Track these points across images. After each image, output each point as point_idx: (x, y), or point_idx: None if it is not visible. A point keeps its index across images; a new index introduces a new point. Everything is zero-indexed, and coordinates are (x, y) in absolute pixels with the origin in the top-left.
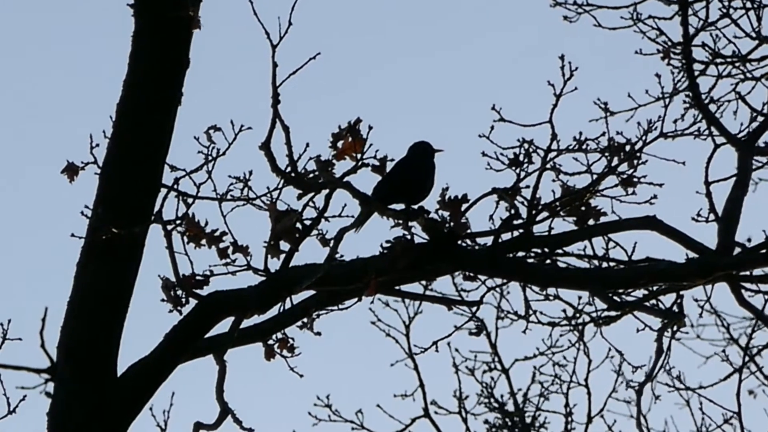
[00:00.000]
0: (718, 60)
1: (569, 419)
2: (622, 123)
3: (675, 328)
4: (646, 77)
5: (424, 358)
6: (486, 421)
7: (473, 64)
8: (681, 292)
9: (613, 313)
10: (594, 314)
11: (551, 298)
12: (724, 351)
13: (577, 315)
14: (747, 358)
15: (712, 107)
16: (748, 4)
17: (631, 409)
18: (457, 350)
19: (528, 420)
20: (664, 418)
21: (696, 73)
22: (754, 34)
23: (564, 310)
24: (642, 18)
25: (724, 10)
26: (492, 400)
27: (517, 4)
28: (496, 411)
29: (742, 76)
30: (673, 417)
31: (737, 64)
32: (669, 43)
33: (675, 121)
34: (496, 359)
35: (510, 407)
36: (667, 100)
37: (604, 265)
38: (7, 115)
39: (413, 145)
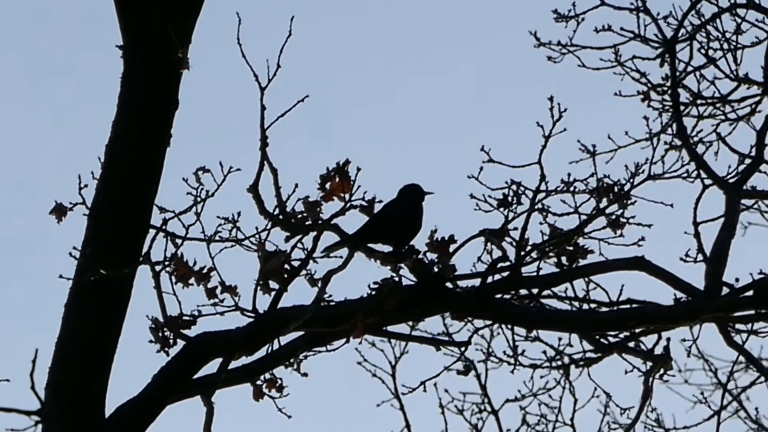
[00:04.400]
0: (699, 101)
1: None
2: (604, 164)
3: (662, 371)
4: (625, 118)
5: (410, 399)
6: None
7: (461, 105)
8: (666, 334)
9: (594, 355)
10: (575, 356)
11: (532, 339)
12: (702, 394)
13: (557, 357)
14: (729, 399)
15: (700, 148)
16: (726, 46)
17: None
18: (446, 391)
19: None
20: None
21: (682, 112)
22: (732, 76)
23: (545, 351)
24: (622, 60)
25: (704, 51)
26: None
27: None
28: None
29: (722, 117)
30: None
31: (717, 105)
32: (650, 85)
33: (662, 161)
34: (486, 400)
35: None
36: (653, 141)
37: (587, 306)
38: None
39: (403, 188)
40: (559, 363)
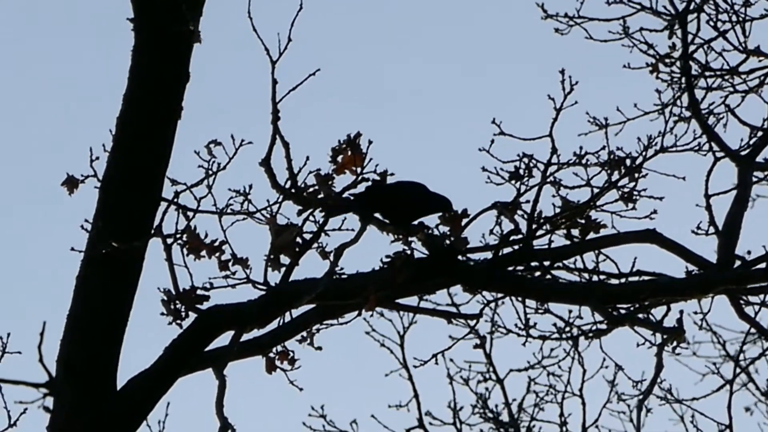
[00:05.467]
0: (708, 73)
1: (564, 429)
2: (618, 135)
3: (675, 343)
4: (633, 91)
5: (418, 369)
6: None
7: (473, 77)
8: (679, 306)
9: (604, 327)
10: (585, 327)
11: (541, 311)
12: (715, 365)
13: (568, 329)
14: (738, 370)
15: (711, 121)
16: (734, 18)
17: (624, 423)
18: (451, 360)
19: (523, 431)
20: None
21: (693, 84)
22: (741, 47)
23: (555, 324)
24: (631, 32)
25: (713, 24)
26: (486, 410)
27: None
28: (491, 421)
29: (731, 89)
30: None
31: (726, 77)
32: (658, 57)
33: (672, 134)
34: (491, 369)
35: (505, 417)
36: (664, 114)
37: (597, 279)
38: (6, 127)
39: (442, 197)
40: (569, 335)
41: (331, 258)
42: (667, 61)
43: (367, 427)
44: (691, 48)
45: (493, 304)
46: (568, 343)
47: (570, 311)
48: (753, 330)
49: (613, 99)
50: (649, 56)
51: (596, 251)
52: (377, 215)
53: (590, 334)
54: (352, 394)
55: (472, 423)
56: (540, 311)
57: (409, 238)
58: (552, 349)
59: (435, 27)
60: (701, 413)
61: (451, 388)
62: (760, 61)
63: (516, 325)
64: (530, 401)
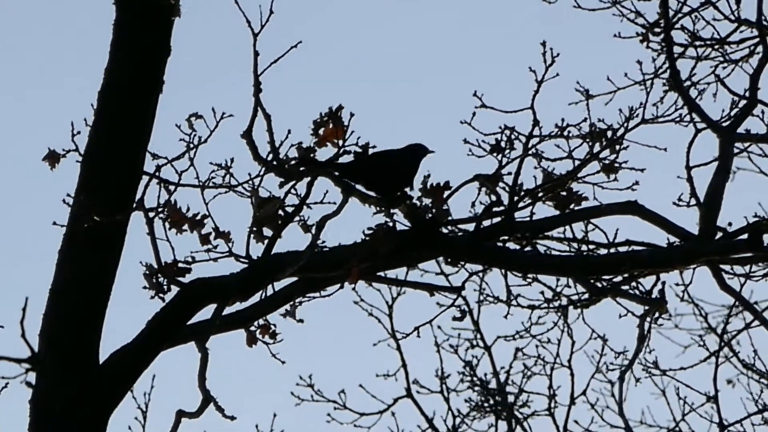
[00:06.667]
0: (697, 43)
1: (553, 401)
2: (602, 107)
3: (657, 314)
4: (626, 60)
5: (406, 338)
6: (468, 399)
7: (453, 50)
8: (662, 278)
9: (592, 297)
10: (573, 297)
11: (530, 281)
12: (701, 337)
13: (556, 298)
14: (723, 343)
15: (693, 92)
16: None
17: (613, 393)
18: (439, 327)
19: (511, 399)
20: (641, 409)
21: (675, 56)
22: (732, 17)
23: (542, 293)
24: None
25: None
26: (474, 377)
27: None
28: (479, 389)
29: (721, 59)
30: (649, 407)
31: (716, 47)
32: (648, 25)
33: (655, 105)
34: (479, 336)
35: (493, 386)
36: (648, 85)
37: (585, 248)
38: None
39: (412, 145)
40: (557, 304)
41: (314, 230)
42: (656, 30)
43: (355, 397)
44: (680, 17)
45: (481, 273)
46: (556, 313)
47: (558, 280)
48: (737, 303)
49: (602, 69)
50: (638, 25)
51: (585, 221)
52: (361, 188)
53: (578, 304)
54: (341, 363)
55: (460, 390)
56: (528, 281)
57: (391, 210)
58: (539, 317)
59: (417, 1)
60: (687, 385)
61: (438, 357)
62: (751, 32)
63: (498, 297)
64: (518, 369)
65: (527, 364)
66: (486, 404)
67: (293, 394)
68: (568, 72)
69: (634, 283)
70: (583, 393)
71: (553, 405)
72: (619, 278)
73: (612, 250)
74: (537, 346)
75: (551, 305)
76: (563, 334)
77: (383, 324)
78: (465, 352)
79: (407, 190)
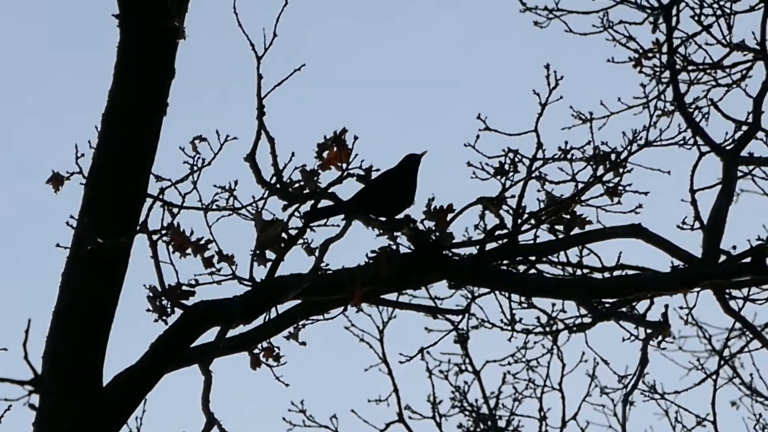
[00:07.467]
0: (690, 67)
1: (544, 423)
2: (605, 129)
3: (660, 337)
4: (615, 84)
5: (397, 363)
6: (459, 425)
7: (458, 74)
8: (664, 301)
9: (587, 320)
10: (568, 321)
11: (525, 305)
12: (698, 360)
13: (552, 322)
14: (722, 362)
15: (696, 115)
16: (719, 12)
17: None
18: (428, 352)
19: (502, 423)
20: (643, 429)
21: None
22: (725, 42)
23: (538, 317)
24: (613, 24)
25: (697, 18)
26: (465, 402)
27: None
28: (469, 414)
29: (713, 83)
30: (652, 427)
31: (709, 71)
32: (641, 51)
33: (655, 127)
34: (467, 361)
35: (484, 411)
36: (649, 108)
37: (582, 272)
38: None
39: (403, 158)
40: (553, 329)
41: (317, 253)
42: (650, 55)
43: (347, 422)
44: (680, 43)
45: (471, 298)
46: (548, 338)
47: (553, 305)
48: (738, 324)
49: (595, 93)
50: (630, 50)
51: (580, 246)
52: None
53: (574, 328)
54: (332, 388)
55: (451, 415)
56: (524, 305)
57: (395, 233)
58: (526, 342)
59: (418, 24)
60: (684, 408)
61: (430, 382)
62: (745, 55)
63: (501, 320)
64: (508, 393)
65: (518, 387)
66: (477, 429)
67: (285, 420)
68: (564, 95)
69: (636, 306)
70: (575, 416)
71: (544, 428)
72: (621, 301)
73: (616, 273)
74: (527, 370)
75: (546, 330)
76: (552, 356)
77: (374, 349)
78: (455, 378)
79: (412, 206)
